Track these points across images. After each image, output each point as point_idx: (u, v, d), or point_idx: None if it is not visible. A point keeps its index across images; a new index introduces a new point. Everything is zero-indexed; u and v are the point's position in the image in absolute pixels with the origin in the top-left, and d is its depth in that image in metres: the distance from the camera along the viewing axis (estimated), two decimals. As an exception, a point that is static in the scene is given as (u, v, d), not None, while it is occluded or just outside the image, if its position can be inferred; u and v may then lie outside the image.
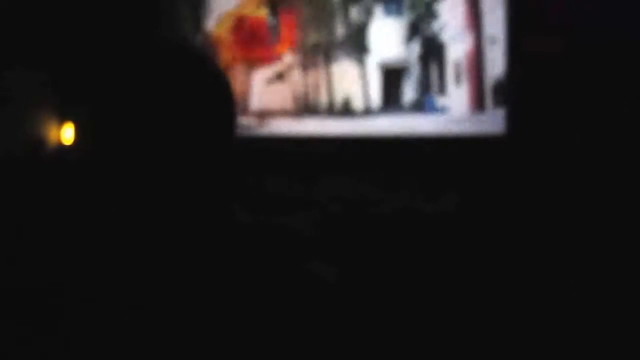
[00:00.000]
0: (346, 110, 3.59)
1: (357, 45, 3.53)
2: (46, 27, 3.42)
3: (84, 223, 0.84)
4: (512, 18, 3.54)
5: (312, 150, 3.59)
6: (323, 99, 3.61)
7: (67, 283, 0.81)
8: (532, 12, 3.39)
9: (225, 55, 3.61)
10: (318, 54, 3.55)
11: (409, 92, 3.52)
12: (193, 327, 0.80)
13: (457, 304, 2.36)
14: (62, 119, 3.55)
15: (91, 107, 0.84)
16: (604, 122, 3.14)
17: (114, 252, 0.82)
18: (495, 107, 3.44)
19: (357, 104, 3.57)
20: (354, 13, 3.53)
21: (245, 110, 3.60)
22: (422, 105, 3.54)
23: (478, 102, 3.46)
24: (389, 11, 3.53)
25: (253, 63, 3.66)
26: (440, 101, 3.51)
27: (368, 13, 3.51)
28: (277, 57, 3.57)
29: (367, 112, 3.59)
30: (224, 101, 0.87)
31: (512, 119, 3.49)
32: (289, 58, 3.57)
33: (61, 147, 3.53)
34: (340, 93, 3.59)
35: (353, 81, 3.57)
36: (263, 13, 3.63)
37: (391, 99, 3.57)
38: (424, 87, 3.52)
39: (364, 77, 3.57)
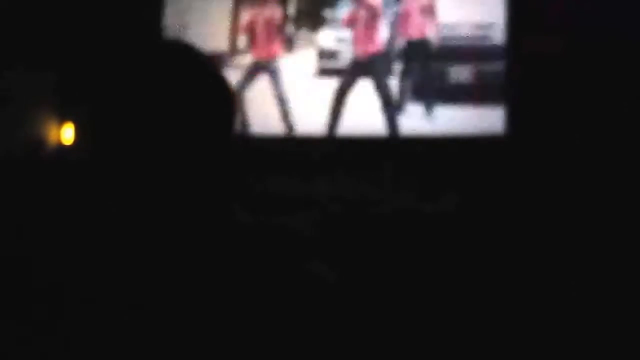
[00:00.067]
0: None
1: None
2: (47, 28, 3.42)
3: (84, 223, 0.84)
4: (512, 18, 3.53)
5: (312, 150, 3.59)
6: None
7: (67, 283, 0.81)
8: (532, 13, 3.39)
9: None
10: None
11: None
12: (193, 327, 0.80)
13: (457, 303, 2.36)
14: (62, 119, 3.55)
15: (91, 107, 0.84)
16: (604, 122, 3.14)
17: (114, 252, 0.82)
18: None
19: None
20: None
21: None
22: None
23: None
24: None
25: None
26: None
27: None
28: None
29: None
30: (223, 101, 0.87)
31: (512, 119, 3.49)
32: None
33: (61, 147, 3.53)
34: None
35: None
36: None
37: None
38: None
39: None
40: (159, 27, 3.75)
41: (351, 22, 3.76)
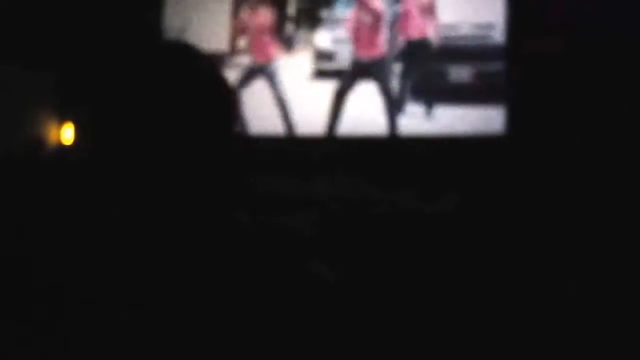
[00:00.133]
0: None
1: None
2: (47, 28, 3.43)
3: (84, 223, 0.84)
4: (512, 18, 3.54)
5: (312, 150, 3.59)
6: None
7: (67, 283, 0.81)
8: (532, 13, 3.39)
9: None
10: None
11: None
12: (193, 327, 0.80)
13: (457, 303, 2.36)
14: (62, 119, 3.56)
15: (91, 107, 0.84)
16: (604, 122, 3.14)
17: (114, 252, 0.82)
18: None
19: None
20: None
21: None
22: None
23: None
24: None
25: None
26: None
27: None
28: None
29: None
30: (222, 102, 0.87)
31: (512, 119, 3.49)
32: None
33: (61, 147, 3.54)
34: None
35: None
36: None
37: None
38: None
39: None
40: (159, 27, 3.75)
41: (354, 26, 3.74)
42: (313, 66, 3.77)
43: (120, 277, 0.81)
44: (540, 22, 3.35)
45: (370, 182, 3.28)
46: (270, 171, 3.31)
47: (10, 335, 0.79)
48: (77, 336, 0.78)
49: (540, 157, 3.20)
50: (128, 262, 0.82)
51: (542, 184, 3.07)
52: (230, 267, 0.83)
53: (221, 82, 0.88)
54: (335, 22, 3.78)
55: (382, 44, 3.70)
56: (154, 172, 0.82)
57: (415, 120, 3.66)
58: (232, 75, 3.73)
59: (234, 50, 3.81)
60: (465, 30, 3.65)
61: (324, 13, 3.78)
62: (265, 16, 3.81)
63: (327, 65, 3.78)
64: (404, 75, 3.69)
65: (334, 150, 3.60)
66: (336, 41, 3.77)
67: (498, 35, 3.59)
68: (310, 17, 3.78)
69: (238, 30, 3.82)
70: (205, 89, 0.86)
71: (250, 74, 3.79)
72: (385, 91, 3.66)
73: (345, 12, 3.76)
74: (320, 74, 3.79)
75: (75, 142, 3.40)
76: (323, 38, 3.80)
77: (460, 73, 3.65)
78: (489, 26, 3.61)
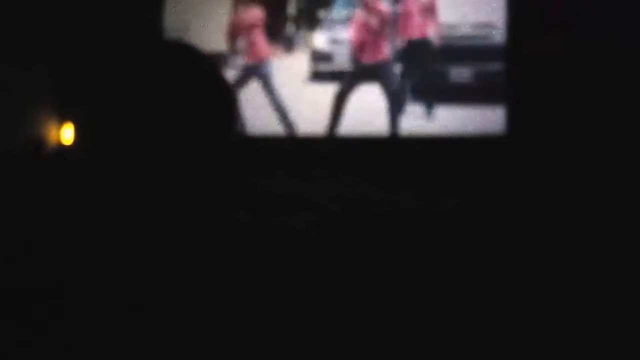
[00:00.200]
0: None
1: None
2: (47, 27, 3.43)
3: (83, 223, 0.84)
4: (512, 18, 3.54)
5: (312, 150, 3.59)
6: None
7: (67, 283, 0.81)
8: (533, 13, 3.39)
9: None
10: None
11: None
12: (192, 327, 0.80)
13: (456, 303, 2.36)
14: (61, 119, 3.56)
15: (91, 107, 0.84)
16: (604, 122, 3.14)
17: (114, 252, 0.82)
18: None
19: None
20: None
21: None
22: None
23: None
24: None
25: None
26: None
27: None
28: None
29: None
30: (222, 102, 0.87)
31: (512, 119, 3.50)
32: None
33: (61, 147, 3.54)
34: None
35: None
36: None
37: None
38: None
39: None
40: (159, 27, 3.75)
41: (359, 30, 3.71)
42: (309, 68, 3.74)
43: (120, 277, 0.81)
44: (541, 22, 3.35)
45: (370, 182, 3.28)
46: (270, 171, 3.31)
47: (10, 335, 0.79)
48: (77, 336, 0.78)
49: (540, 157, 3.20)
50: (128, 262, 0.82)
51: (542, 184, 3.07)
52: (230, 267, 0.83)
53: (221, 82, 0.88)
54: (332, 23, 3.75)
55: (387, 47, 3.68)
56: (154, 172, 0.82)
57: (415, 120, 3.66)
58: (231, 75, 3.72)
59: (232, 50, 3.80)
60: (465, 30, 3.65)
61: (322, 14, 3.76)
62: (256, 15, 3.77)
63: (324, 67, 3.75)
64: (404, 75, 3.69)
65: (334, 150, 3.60)
66: (333, 42, 3.74)
67: (498, 35, 3.59)
68: (310, 18, 3.76)
69: (231, 29, 3.79)
70: (206, 89, 0.86)
71: (245, 74, 3.76)
72: (391, 93, 3.65)
73: (342, 13, 3.73)
74: (317, 75, 3.76)
75: (75, 142, 3.40)
76: (320, 39, 3.77)
77: (460, 73, 3.65)
78: (489, 26, 3.61)
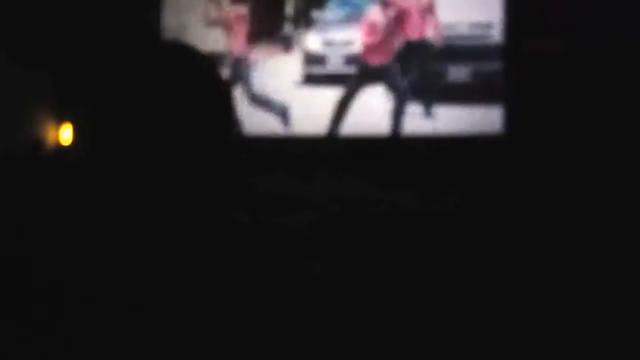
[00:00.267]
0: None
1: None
2: (46, 28, 3.42)
3: (82, 223, 0.84)
4: (510, 18, 3.54)
5: (312, 150, 3.59)
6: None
7: (67, 283, 0.81)
8: (531, 12, 3.40)
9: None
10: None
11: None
12: (192, 327, 0.80)
13: (456, 303, 2.36)
14: (60, 120, 3.56)
15: (89, 107, 0.84)
16: (602, 121, 3.14)
17: (114, 252, 0.82)
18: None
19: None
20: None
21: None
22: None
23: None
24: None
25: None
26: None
27: None
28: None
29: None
30: (221, 102, 0.88)
31: (510, 118, 3.50)
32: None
33: (59, 148, 3.54)
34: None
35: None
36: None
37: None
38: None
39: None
40: (157, 28, 3.75)
41: (371, 28, 3.62)
42: (302, 71, 3.65)
43: (120, 277, 0.81)
44: (539, 22, 3.35)
45: (370, 182, 3.28)
46: (270, 171, 3.31)
47: (10, 335, 0.79)
48: (77, 336, 0.78)
49: (538, 157, 3.21)
50: (128, 262, 0.82)
51: (541, 184, 3.07)
52: (230, 268, 0.83)
53: (220, 82, 0.88)
54: (326, 24, 3.67)
55: (394, 49, 3.59)
56: (153, 172, 0.82)
57: (414, 120, 3.66)
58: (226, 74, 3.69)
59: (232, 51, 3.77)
60: (463, 29, 3.65)
61: (315, 14, 3.69)
62: (237, 10, 3.69)
63: (318, 70, 3.67)
64: (403, 75, 3.68)
65: (334, 150, 3.60)
66: (327, 44, 3.67)
67: (497, 34, 3.59)
68: (305, 19, 3.70)
69: (212, 22, 3.71)
70: (204, 89, 0.86)
71: (234, 74, 3.68)
72: (398, 95, 3.62)
73: (338, 13, 3.68)
74: (310, 79, 3.67)
75: (73, 142, 3.39)
76: (313, 41, 3.68)
77: (458, 73, 3.65)
78: (488, 26, 3.61)
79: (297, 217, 2.60)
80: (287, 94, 3.70)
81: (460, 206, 2.99)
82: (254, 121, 3.70)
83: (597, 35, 3.19)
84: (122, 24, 3.46)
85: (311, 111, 3.69)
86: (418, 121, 3.65)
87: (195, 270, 0.82)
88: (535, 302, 2.38)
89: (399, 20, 3.64)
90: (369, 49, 3.63)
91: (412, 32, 3.67)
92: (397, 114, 3.63)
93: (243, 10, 3.71)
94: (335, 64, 3.66)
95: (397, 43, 3.63)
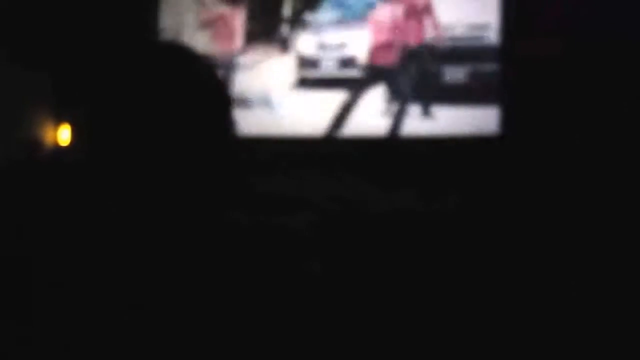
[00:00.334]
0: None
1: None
2: (43, 28, 3.42)
3: (81, 224, 0.84)
4: (507, 19, 3.54)
5: (311, 149, 3.59)
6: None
7: (66, 283, 0.81)
8: (527, 14, 3.40)
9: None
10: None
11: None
12: (191, 327, 0.80)
13: (455, 303, 2.36)
14: (58, 120, 3.55)
15: (87, 108, 0.84)
16: (600, 122, 3.14)
17: (112, 253, 0.82)
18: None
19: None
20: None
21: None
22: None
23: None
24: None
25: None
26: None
27: None
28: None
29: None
30: (219, 102, 0.88)
31: (507, 119, 3.50)
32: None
33: (58, 148, 3.53)
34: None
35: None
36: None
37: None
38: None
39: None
40: (154, 29, 3.74)
41: (380, 27, 3.57)
42: (295, 75, 3.61)
43: (119, 277, 0.81)
44: (535, 23, 3.36)
45: (370, 182, 3.27)
46: (269, 172, 3.31)
47: (10, 335, 0.78)
48: (77, 336, 0.78)
49: (535, 158, 3.21)
50: (127, 262, 0.82)
51: (537, 185, 3.07)
52: (229, 268, 0.83)
53: (217, 82, 0.89)
54: (320, 27, 3.62)
55: (400, 49, 3.56)
56: (151, 172, 0.82)
57: (412, 121, 3.66)
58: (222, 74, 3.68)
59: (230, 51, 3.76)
60: (460, 30, 3.64)
61: (309, 16, 3.64)
62: (225, 10, 3.64)
63: (311, 73, 3.63)
64: (406, 75, 3.68)
65: (333, 151, 3.60)
66: (321, 47, 3.62)
67: (493, 36, 3.58)
68: (300, 21, 3.65)
69: (202, 22, 3.67)
70: (202, 89, 0.86)
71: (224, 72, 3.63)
72: (400, 97, 3.60)
73: (332, 15, 3.64)
74: (304, 82, 3.63)
75: (72, 143, 3.38)
76: (307, 43, 3.63)
77: (455, 74, 3.65)
78: (484, 27, 3.61)
79: (297, 217, 2.59)
80: (282, 96, 3.68)
81: (460, 206, 3.00)
82: (249, 122, 3.68)
83: (594, 36, 3.19)
84: (119, 25, 3.46)
85: (306, 114, 3.67)
86: (416, 122, 3.65)
87: (195, 270, 0.82)
88: (534, 301, 2.38)
89: (406, 19, 3.62)
90: (376, 48, 3.59)
91: (415, 33, 3.67)
92: (399, 116, 3.62)
93: (228, 10, 3.67)
94: (328, 67, 3.62)
95: (402, 43, 3.62)
